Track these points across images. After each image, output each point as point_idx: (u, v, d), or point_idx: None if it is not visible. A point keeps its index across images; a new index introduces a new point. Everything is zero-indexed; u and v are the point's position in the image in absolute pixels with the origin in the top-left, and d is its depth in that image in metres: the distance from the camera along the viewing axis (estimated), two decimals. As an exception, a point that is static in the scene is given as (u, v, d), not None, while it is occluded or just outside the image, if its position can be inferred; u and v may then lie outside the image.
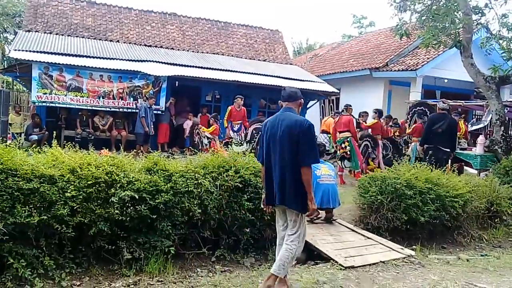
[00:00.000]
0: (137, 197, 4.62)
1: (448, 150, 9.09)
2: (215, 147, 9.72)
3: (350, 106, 10.76)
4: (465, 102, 13.34)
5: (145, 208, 4.65)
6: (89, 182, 4.51)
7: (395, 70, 15.24)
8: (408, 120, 12.57)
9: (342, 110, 10.92)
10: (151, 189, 4.78)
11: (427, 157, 9.04)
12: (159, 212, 4.79)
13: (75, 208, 4.35)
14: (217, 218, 5.22)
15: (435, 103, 12.36)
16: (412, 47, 16.01)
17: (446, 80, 15.21)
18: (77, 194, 4.39)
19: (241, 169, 5.49)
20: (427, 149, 9.31)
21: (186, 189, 5.01)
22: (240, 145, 9.68)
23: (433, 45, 10.37)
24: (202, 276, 4.70)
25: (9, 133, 12.61)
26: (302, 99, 4.21)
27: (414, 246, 6.03)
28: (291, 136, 3.83)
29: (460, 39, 10.17)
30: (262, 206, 4.28)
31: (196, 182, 5.14)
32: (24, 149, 5.08)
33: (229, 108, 11.58)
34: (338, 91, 16.02)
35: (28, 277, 3.95)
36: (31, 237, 4.12)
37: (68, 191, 4.35)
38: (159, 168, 5.12)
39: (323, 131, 12.88)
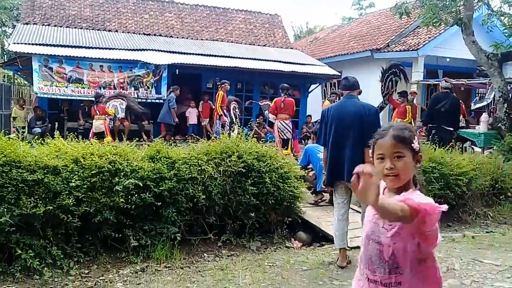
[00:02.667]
0: (141, 185, 4.64)
1: (452, 129, 9.05)
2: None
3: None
4: (468, 81, 13.25)
5: (150, 195, 4.67)
6: (92, 172, 4.52)
7: (396, 51, 15.12)
8: (382, 88, 11.23)
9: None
10: (154, 176, 4.80)
11: (430, 137, 9.00)
12: (164, 199, 4.81)
13: (80, 197, 4.37)
14: (222, 203, 5.24)
15: (438, 82, 12.28)
16: (413, 27, 15.84)
17: (448, 59, 15.08)
18: (82, 184, 4.41)
19: (244, 154, 5.49)
20: (430, 128, 9.26)
21: (190, 175, 5.02)
22: (232, 131, 9.67)
23: (433, 23, 10.25)
24: (208, 261, 4.74)
25: (13, 127, 12.64)
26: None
27: (419, 225, 6.04)
28: (360, 120, 4.29)
29: (461, 16, 10.05)
30: (322, 186, 4.75)
31: (199, 168, 5.15)
32: (27, 142, 5.10)
33: (221, 93, 11.43)
34: (339, 74, 15.91)
35: (36, 267, 3.98)
36: (38, 228, 4.16)
37: (72, 181, 4.37)
38: (162, 156, 5.13)
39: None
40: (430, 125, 9.26)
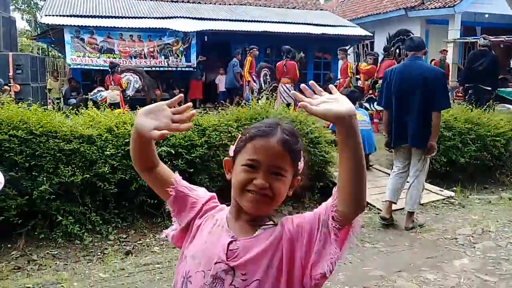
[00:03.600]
0: (173, 152, 4.72)
1: (489, 88, 8.69)
2: None
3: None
4: (507, 37, 12.61)
5: (182, 162, 4.75)
6: (126, 140, 4.62)
7: (431, 8, 14.50)
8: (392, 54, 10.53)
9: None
10: (186, 144, 4.86)
11: (466, 97, 8.69)
12: (196, 166, 4.89)
13: (115, 165, 4.49)
14: (253, 169, 5.27)
15: (476, 40, 11.75)
16: (449, -19, 15.08)
17: (487, 15, 14.36)
18: (116, 152, 4.52)
19: (274, 119, 5.47)
20: (467, 88, 8.93)
21: (220, 142, 5.07)
22: (261, 98, 9.59)
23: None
24: (241, 225, 4.83)
25: (49, 99, 13.00)
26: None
27: (454, 188, 5.94)
28: (425, 83, 4.19)
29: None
30: (385, 147, 4.70)
31: (229, 135, 5.18)
32: (63, 113, 5.25)
33: (249, 59, 11.19)
34: (372, 35, 15.45)
35: (77, 232, 4.17)
36: (77, 195, 4.32)
37: (107, 149, 4.49)
38: (193, 123, 5.17)
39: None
40: (467, 84, 8.91)
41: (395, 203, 4.62)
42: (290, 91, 9.31)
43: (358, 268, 3.60)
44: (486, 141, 6.34)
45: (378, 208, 5.02)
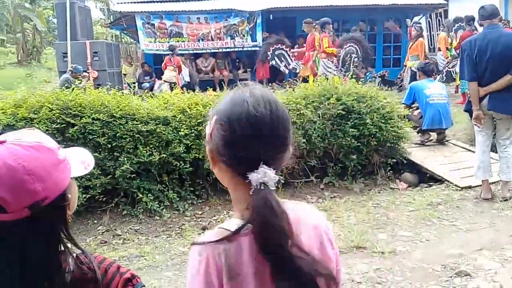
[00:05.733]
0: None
1: None
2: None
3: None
4: None
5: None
6: (198, 121, 4.77)
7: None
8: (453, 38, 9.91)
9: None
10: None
11: None
12: (266, 144, 4.94)
13: (189, 145, 4.67)
14: (322, 146, 5.25)
15: None
16: None
17: None
18: (189, 133, 4.69)
19: (343, 96, 5.39)
20: None
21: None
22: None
23: None
24: (312, 202, 4.86)
25: (125, 84, 13.65)
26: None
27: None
28: (510, 50, 4.07)
29: None
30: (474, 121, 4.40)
31: (298, 112, 5.18)
32: (139, 96, 5.51)
33: (325, 37, 10.73)
34: (446, 2, 14.53)
35: (156, 209, 4.42)
36: (155, 174, 4.56)
37: (181, 130, 4.67)
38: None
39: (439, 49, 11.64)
40: None
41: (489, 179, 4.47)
42: (331, 64, 9.04)
43: (436, 246, 3.50)
44: None
45: (455, 185, 4.81)
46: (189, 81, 12.23)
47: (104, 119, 4.45)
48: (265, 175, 0.89)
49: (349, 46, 9.85)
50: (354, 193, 5.13)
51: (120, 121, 4.50)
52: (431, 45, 15.62)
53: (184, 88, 10.77)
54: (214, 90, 11.73)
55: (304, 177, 5.34)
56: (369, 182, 5.41)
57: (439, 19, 16.69)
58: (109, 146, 4.42)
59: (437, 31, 14.74)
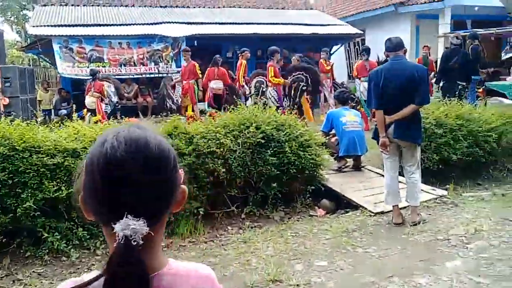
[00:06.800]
0: (160, 162, 4.65)
1: (464, 83, 8.76)
2: None
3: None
4: (498, 29, 12.58)
5: (170, 172, 4.67)
6: (111, 152, 4.54)
7: (421, 3, 14.45)
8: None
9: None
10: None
11: (441, 92, 8.87)
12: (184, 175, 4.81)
13: (101, 178, 4.41)
14: (243, 175, 5.21)
15: (466, 33, 11.71)
16: (438, -24, 15.03)
17: (476, 8, 14.29)
18: (101, 165, 4.44)
19: (262, 124, 5.42)
20: (443, 84, 9.14)
21: (209, 150, 5.01)
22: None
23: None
24: (232, 234, 4.78)
25: (39, 110, 12.90)
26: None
27: (447, 186, 5.89)
28: (413, 81, 4.33)
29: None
30: (380, 148, 4.62)
31: (218, 142, 5.12)
32: (55, 122, 5.18)
33: (243, 62, 10.79)
34: (362, 32, 15.40)
35: (63, 249, 4.10)
36: (63, 211, 4.24)
37: (92, 163, 4.41)
38: (180, 132, 5.11)
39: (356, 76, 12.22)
40: (443, 81, 9.16)
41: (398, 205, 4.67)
42: (274, 94, 9.12)
43: (349, 275, 3.54)
44: (478, 137, 6.30)
45: (369, 210, 4.97)
46: (117, 101, 11.62)
47: (4, 153, 4.10)
48: (127, 227, 0.79)
49: (298, 74, 10.03)
50: (275, 222, 5.12)
51: (23, 154, 4.16)
52: (350, 73, 16.36)
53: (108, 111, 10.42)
54: (137, 117, 11.45)
55: (224, 207, 5.25)
56: (289, 210, 5.43)
57: (357, 48, 17.63)
58: (10, 182, 4.06)
59: (355, 59, 15.51)
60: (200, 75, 9.95)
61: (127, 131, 0.87)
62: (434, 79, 10.19)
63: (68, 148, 4.41)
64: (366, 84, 9.32)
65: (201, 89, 10.16)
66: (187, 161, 4.79)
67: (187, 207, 4.77)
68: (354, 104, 8.90)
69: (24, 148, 4.21)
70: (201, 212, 4.83)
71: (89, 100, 10.16)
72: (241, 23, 14.25)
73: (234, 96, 10.01)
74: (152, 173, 0.84)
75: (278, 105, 8.98)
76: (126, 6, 15.53)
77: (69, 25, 12.73)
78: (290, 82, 9.43)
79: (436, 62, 12.84)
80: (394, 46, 4.55)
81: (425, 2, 14.29)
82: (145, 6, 15.72)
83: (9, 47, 25.63)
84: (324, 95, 10.52)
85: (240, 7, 16.82)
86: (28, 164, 4.15)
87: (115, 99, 11.28)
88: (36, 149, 4.27)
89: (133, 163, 0.82)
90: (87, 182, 0.85)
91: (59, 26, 12.59)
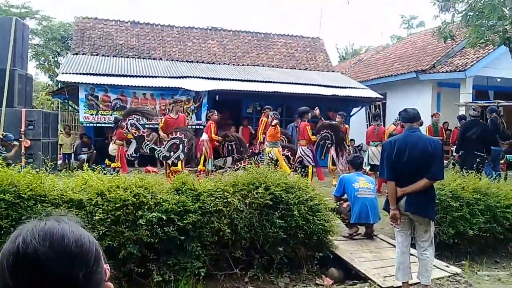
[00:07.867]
0: (165, 218, 4.59)
1: (483, 154, 8.79)
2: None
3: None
4: (521, 102, 12.49)
5: (173, 229, 4.60)
6: (117, 205, 4.52)
7: (442, 72, 14.57)
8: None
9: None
10: (179, 209, 4.73)
11: (459, 164, 8.90)
12: (188, 233, 4.73)
13: (103, 231, 4.37)
14: (249, 237, 5.09)
15: (488, 104, 11.66)
16: (459, 47, 15.23)
17: (499, 79, 14.33)
18: (105, 218, 4.41)
19: (272, 186, 5.35)
20: (461, 155, 9.20)
21: (215, 208, 4.93)
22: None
23: (480, 44, 9.79)
24: (233, 299, 4.59)
25: (60, 154, 13.14)
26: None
27: (463, 262, 5.62)
28: (427, 154, 4.26)
29: (509, 36, 9.53)
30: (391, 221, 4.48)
31: (225, 200, 5.05)
32: (74, 168, 5.21)
33: (264, 120, 10.63)
34: (382, 97, 15.50)
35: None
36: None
37: (96, 214, 4.39)
38: (188, 188, 5.08)
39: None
40: (462, 151, 9.20)
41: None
42: (308, 152, 9.33)
43: None
44: (496, 212, 6.07)
45: (378, 285, 4.73)
46: (134, 155, 11.67)
47: (10, 200, 4.11)
48: None
49: (325, 132, 10.28)
50: (279, 288, 4.92)
51: (28, 202, 4.18)
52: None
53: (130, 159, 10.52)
54: (155, 166, 11.51)
55: (228, 269, 5.09)
56: (294, 277, 5.23)
57: (377, 111, 17.67)
58: (12, 229, 4.03)
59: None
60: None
61: (43, 224, 0.83)
62: (454, 148, 10.18)
63: (73, 199, 4.41)
64: (374, 149, 9.56)
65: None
66: (192, 219, 4.71)
67: (188, 266, 4.65)
68: (365, 169, 8.91)
69: (30, 196, 4.23)
70: (202, 273, 4.69)
71: (111, 147, 10.47)
72: (263, 81, 14.52)
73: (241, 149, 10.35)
74: (67, 270, 0.78)
75: (313, 164, 9.18)
76: (154, 59, 16.12)
77: (97, 74, 13.19)
78: (318, 139, 9.74)
79: (447, 129, 12.86)
80: (410, 118, 4.51)
81: (446, 72, 14.40)
82: (172, 60, 16.28)
83: (42, 90, 26.67)
84: (332, 157, 10.47)
85: (263, 66, 17.24)
86: (32, 212, 4.13)
87: (131, 150, 11.28)
88: (42, 198, 4.28)
89: (45, 259, 0.76)
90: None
91: (87, 74, 13.06)
